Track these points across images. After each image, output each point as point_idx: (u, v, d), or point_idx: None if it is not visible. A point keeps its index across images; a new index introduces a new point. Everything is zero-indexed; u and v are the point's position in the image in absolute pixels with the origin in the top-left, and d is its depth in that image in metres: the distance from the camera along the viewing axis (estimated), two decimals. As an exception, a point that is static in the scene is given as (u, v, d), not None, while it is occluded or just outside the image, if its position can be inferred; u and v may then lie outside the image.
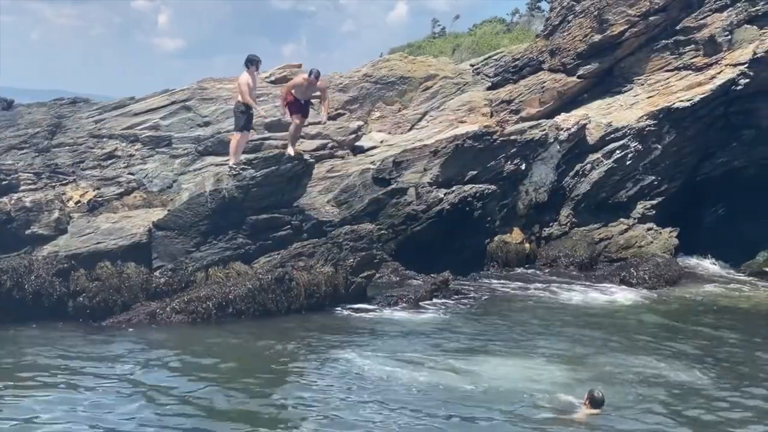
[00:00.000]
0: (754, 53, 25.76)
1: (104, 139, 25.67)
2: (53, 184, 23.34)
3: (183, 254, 19.24)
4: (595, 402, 12.46)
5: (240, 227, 19.68)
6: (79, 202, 22.50)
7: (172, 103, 26.43)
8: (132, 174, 24.76)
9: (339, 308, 18.90)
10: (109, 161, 25.11)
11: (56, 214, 19.76)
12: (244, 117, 20.32)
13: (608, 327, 18.60)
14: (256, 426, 11.83)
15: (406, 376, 14.13)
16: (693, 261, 26.66)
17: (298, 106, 20.45)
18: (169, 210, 20.24)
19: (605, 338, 17.58)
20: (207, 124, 25.86)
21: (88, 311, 17.57)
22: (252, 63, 20.25)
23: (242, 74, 20.22)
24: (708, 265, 26.71)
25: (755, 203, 26.51)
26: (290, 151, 20.29)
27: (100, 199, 22.81)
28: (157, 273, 18.76)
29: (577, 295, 21.99)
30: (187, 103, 26.33)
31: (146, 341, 15.98)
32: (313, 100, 21.24)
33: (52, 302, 17.54)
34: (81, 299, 17.74)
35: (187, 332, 16.77)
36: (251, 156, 20.66)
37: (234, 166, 19.81)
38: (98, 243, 19.28)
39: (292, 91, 20.55)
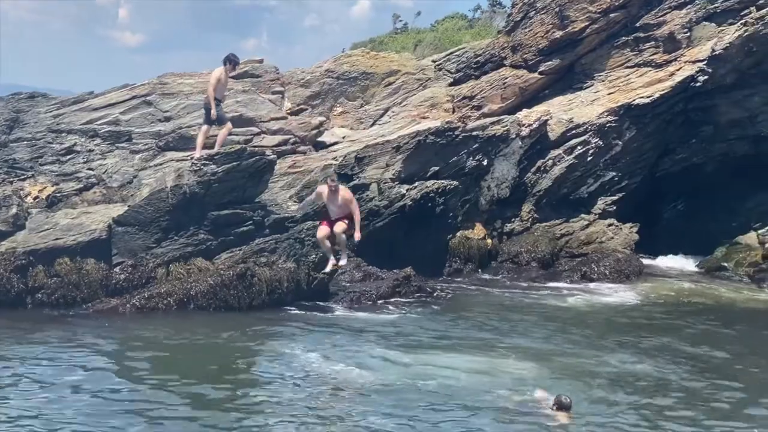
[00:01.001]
0: (713, 50, 25.98)
1: (63, 134, 25.40)
2: (11, 179, 23.09)
3: (143, 250, 19.10)
4: (562, 407, 12.37)
5: (201, 223, 19.57)
6: (37, 197, 22.26)
7: (133, 98, 26.21)
8: (91, 169, 24.53)
9: (300, 304, 18.81)
10: (68, 156, 24.86)
11: (14, 210, 19.54)
12: (223, 111, 20.43)
13: (574, 324, 18.56)
14: (199, 422, 11.73)
15: (361, 374, 14.00)
16: (654, 258, 26.82)
17: (330, 223, 19.14)
18: (129, 206, 20.10)
19: (570, 336, 17.52)
20: (168, 119, 25.67)
21: (47, 308, 17.44)
22: (229, 62, 20.32)
23: (216, 69, 20.30)
24: (668, 260, 26.92)
25: (713, 199, 26.81)
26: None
27: (58, 194, 22.59)
28: (117, 269, 18.64)
29: (542, 292, 22.05)
30: (147, 98, 26.12)
31: (102, 336, 15.87)
32: None
33: (11, 299, 17.40)
34: (40, 295, 17.66)
35: (145, 328, 16.61)
36: (212, 151, 20.54)
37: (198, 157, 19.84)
38: (57, 239, 19.10)
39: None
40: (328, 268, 19.25)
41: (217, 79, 20.04)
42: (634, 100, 26.36)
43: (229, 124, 20.54)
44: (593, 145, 26.31)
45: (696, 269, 26.12)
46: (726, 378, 14.90)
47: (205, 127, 20.40)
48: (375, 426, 11.78)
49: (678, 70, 26.50)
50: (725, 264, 25.97)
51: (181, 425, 11.59)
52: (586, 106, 26.76)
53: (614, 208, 26.77)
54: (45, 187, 22.79)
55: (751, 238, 26.76)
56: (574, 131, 26.26)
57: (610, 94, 26.85)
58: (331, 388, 13.36)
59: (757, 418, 12.88)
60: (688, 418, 12.81)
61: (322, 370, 14.18)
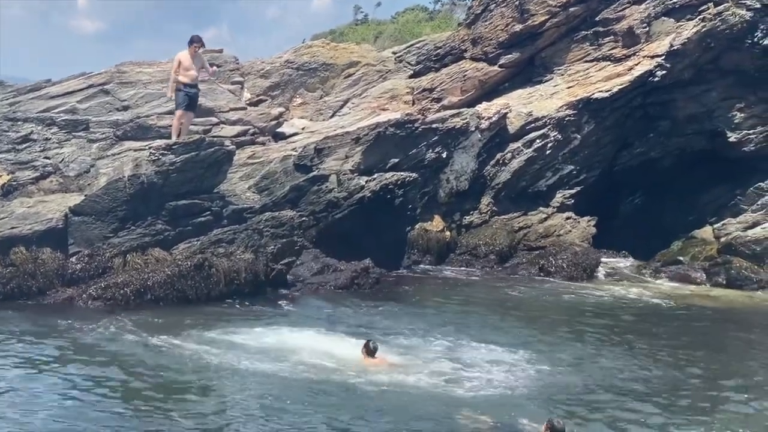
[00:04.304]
0: (671, 45, 26.19)
1: (19, 122, 25.06)
2: (-34, 167, 22.80)
3: (100, 240, 18.97)
4: (554, 430, 11.94)
5: (159, 213, 19.46)
6: (-8, 186, 22.02)
7: (90, 86, 25.92)
8: (48, 158, 24.24)
9: (258, 296, 18.69)
10: (25, 145, 24.54)
11: (-31, 199, 19.32)
12: (183, 95, 20.34)
13: (531, 319, 18.63)
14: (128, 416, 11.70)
15: (304, 372, 13.76)
16: (610, 255, 26.92)
17: None
18: (86, 195, 19.95)
19: (525, 330, 17.56)
20: (126, 108, 25.43)
21: (2, 297, 17.27)
22: (190, 43, 20.48)
23: (180, 52, 20.50)
24: (623, 256, 27.04)
25: (670, 193, 27.02)
26: None
27: (14, 183, 22.36)
28: (73, 259, 18.49)
29: (499, 285, 22.11)
30: (105, 87, 25.85)
31: (51, 327, 15.71)
32: None
33: (-35, 288, 17.22)
34: (-6, 285, 17.45)
35: (99, 318, 16.38)
36: (171, 141, 20.44)
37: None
38: (13, 228, 18.92)
39: None
40: None
41: (179, 60, 20.27)
42: (593, 94, 26.51)
43: (179, 112, 20.53)
44: (552, 138, 26.44)
45: (651, 263, 26.25)
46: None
47: (179, 113, 20.51)
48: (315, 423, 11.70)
49: (636, 64, 26.69)
50: (681, 258, 26.19)
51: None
52: (545, 100, 26.88)
53: (572, 201, 26.92)
54: (1, 176, 22.53)
55: (706, 232, 27.03)
56: (533, 124, 26.37)
57: (569, 87, 26.99)
58: (260, 387, 12.98)
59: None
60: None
61: (260, 369, 13.82)
